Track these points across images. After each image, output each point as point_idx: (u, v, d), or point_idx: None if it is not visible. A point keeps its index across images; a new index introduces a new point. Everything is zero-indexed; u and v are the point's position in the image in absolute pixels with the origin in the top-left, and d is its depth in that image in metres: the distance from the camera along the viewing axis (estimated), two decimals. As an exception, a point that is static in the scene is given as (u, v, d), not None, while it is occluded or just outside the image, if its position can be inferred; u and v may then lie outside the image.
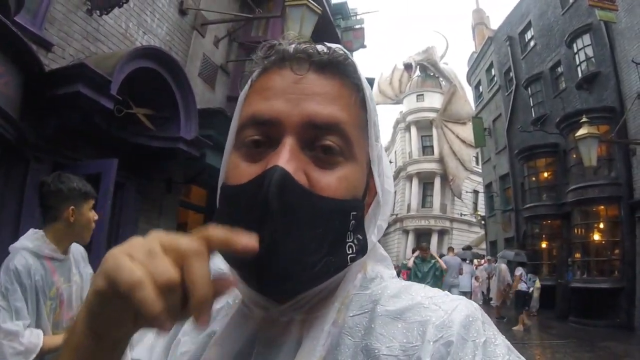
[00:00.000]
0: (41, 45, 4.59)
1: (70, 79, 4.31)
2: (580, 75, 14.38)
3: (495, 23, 26.93)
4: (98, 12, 5.21)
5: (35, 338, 1.88)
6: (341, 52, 0.57)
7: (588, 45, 14.07)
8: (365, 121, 0.59)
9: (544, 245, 16.53)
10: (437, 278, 9.45)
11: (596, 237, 13.29)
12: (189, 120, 5.77)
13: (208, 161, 6.65)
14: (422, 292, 0.55)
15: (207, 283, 0.37)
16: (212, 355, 0.55)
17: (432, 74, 35.73)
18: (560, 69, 16.10)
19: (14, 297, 1.86)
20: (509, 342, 0.51)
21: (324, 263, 0.50)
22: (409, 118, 36.11)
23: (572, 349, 8.91)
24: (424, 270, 9.47)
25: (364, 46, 16.87)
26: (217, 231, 0.40)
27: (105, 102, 4.52)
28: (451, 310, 0.51)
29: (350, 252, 0.53)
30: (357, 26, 16.77)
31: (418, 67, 35.73)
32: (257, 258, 0.45)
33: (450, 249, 13.06)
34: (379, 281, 0.59)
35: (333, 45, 0.58)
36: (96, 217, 2.17)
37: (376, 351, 0.50)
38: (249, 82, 0.60)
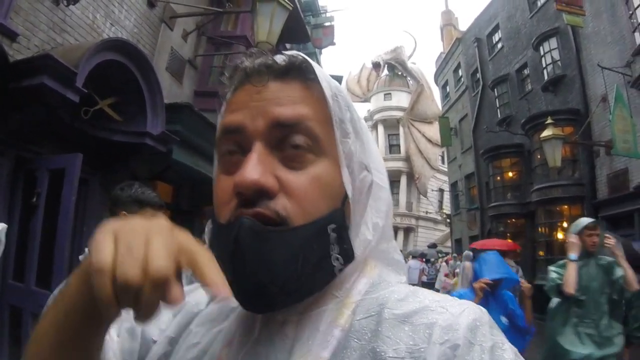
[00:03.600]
0: (5, 35, 4.31)
1: (35, 70, 4.08)
2: (546, 77, 14.74)
3: (464, 25, 27.32)
4: (65, 2, 4.97)
5: None
6: (299, 57, 0.59)
7: (555, 49, 14.43)
8: (336, 118, 0.59)
9: (508, 243, 16.87)
10: (616, 306, 3.58)
11: (560, 235, 13.62)
12: (155, 115, 5.60)
13: (175, 157, 6.46)
14: (429, 296, 0.55)
15: (162, 259, 0.38)
16: (223, 356, 0.58)
17: (399, 73, 36.03)
18: (526, 71, 16.46)
19: None
20: (515, 348, 0.51)
21: (308, 282, 0.52)
22: (376, 116, 36.33)
23: (537, 345, 9.07)
24: (593, 283, 3.57)
25: (333, 44, 16.89)
26: (201, 257, 0.40)
27: (71, 95, 4.30)
28: (458, 313, 0.51)
29: (337, 263, 0.54)
30: (327, 24, 16.79)
31: (386, 66, 36.01)
32: (236, 287, 0.48)
33: None
34: (386, 285, 0.59)
35: (291, 53, 0.60)
36: None
37: (383, 354, 0.50)
38: (224, 103, 0.62)
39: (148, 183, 7.05)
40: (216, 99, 8.28)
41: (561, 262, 3.73)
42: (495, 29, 18.87)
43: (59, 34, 5.03)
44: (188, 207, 8.45)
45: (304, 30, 11.58)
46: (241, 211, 0.51)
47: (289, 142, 0.54)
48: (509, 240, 15.36)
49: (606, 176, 12.10)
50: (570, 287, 3.47)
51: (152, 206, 2.14)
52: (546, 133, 10.43)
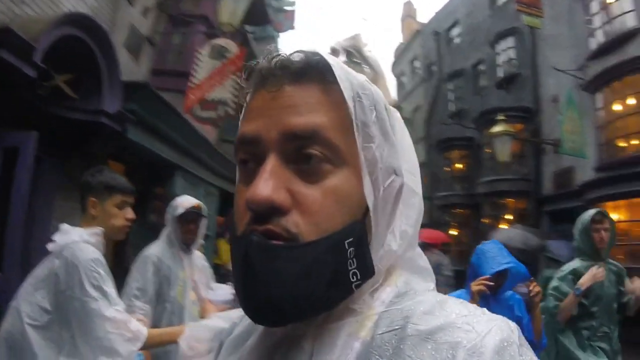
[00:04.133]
0: (-39, 5, 4.03)
1: (-8, 43, 3.86)
2: (500, 75, 15.21)
3: (426, 17, 27.75)
4: (24, -28, 4.66)
5: (140, 326, 1.93)
6: (317, 56, 0.55)
7: (511, 48, 14.96)
8: (358, 122, 0.55)
9: (454, 232, 17.42)
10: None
11: (504, 227, 14.18)
12: (112, 94, 5.43)
13: (130, 136, 6.30)
14: (457, 309, 0.51)
15: None
16: None
17: (356, 60, 36.18)
18: (482, 67, 16.93)
19: (106, 284, 1.87)
20: None
21: (322, 298, 0.50)
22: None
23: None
24: (606, 290, 3.12)
25: (292, 28, 16.77)
26: None
27: (28, 70, 4.10)
28: (485, 332, 0.46)
29: (355, 279, 0.51)
30: (289, 8, 16.63)
31: (344, 52, 36.04)
32: (245, 302, 0.51)
33: None
34: (412, 295, 0.55)
35: (309, 50, 0.56)
36: (128, 216, 2.11)
37: None
38: (244, 107, 0.59)
39: (103, 162, 6.78)
40: (174, 79, 8.06)
41: (566, 269, 3.19)
42: (455, 24, 19.25)
43: (17, 5, 4.73)
44: (140, 188, 8.21)
45: (265, 12, 11.40)
46: (253, 227, 0.50)
47: (305, 153, 0.51)
48: (445, 233, 15.87)
49: (552, 173, 12.71)
50: (563, 319, 3.07)
51: (122, 192, 2.11)
52: (497, 129, 10.74)
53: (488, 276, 2.65)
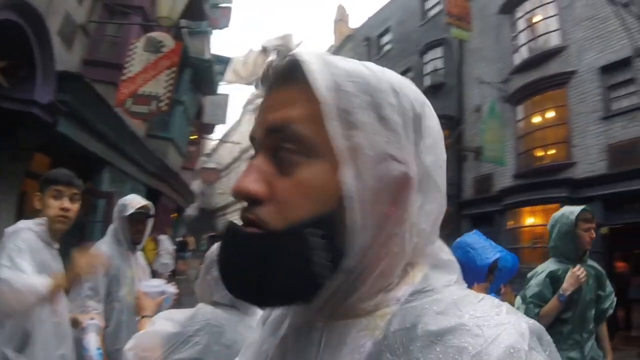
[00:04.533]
0: None
1: None
2: (427, 83, 15.89)
3: (358, 22, 28.19)
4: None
5: (33, 278, 1.95)
6: (298, 56, 0.55)
7: (439, 58, 15.66)
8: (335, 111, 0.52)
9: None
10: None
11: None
12: (45, 83, 5.18)
13: (60, 129, 6.03)
14: (471, 309, 0.48)
15: None
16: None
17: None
18: (410, 75, 17.52)
19: (19, 256, 1.95)
20: None
21: (286, 287, 0.51)
22: (259, 100, 36.12)
23: None
24: (584, 295, 2.77)
25: (227, 25, 16.55)
26: None
27: None
28: (492, 338, 0.44)
29: (321, 271, 0.50)
30: (225, 5, 16.41)
31: (275, 51, 35.90)
32: (222, 279, 0.55)
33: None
34: (429, 293, 0.52)
35: (295, 51, 0.56)
36: (62, 205, 2.17)
37: None
38: None
39: (29, 154, 6.36)
40: (106, 70, 7.73)
41: (541, 272, 2.85)
42: (386, 32, 19.75)
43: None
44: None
45: (201, 8, 11.20)
46: (240, 215, 0.55)
47: (281, 147, 0.53)
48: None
49: (472, 179, 13.47)
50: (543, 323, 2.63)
51: (55, 183, 2.19)
52: (420, 134, 11.21)
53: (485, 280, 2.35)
